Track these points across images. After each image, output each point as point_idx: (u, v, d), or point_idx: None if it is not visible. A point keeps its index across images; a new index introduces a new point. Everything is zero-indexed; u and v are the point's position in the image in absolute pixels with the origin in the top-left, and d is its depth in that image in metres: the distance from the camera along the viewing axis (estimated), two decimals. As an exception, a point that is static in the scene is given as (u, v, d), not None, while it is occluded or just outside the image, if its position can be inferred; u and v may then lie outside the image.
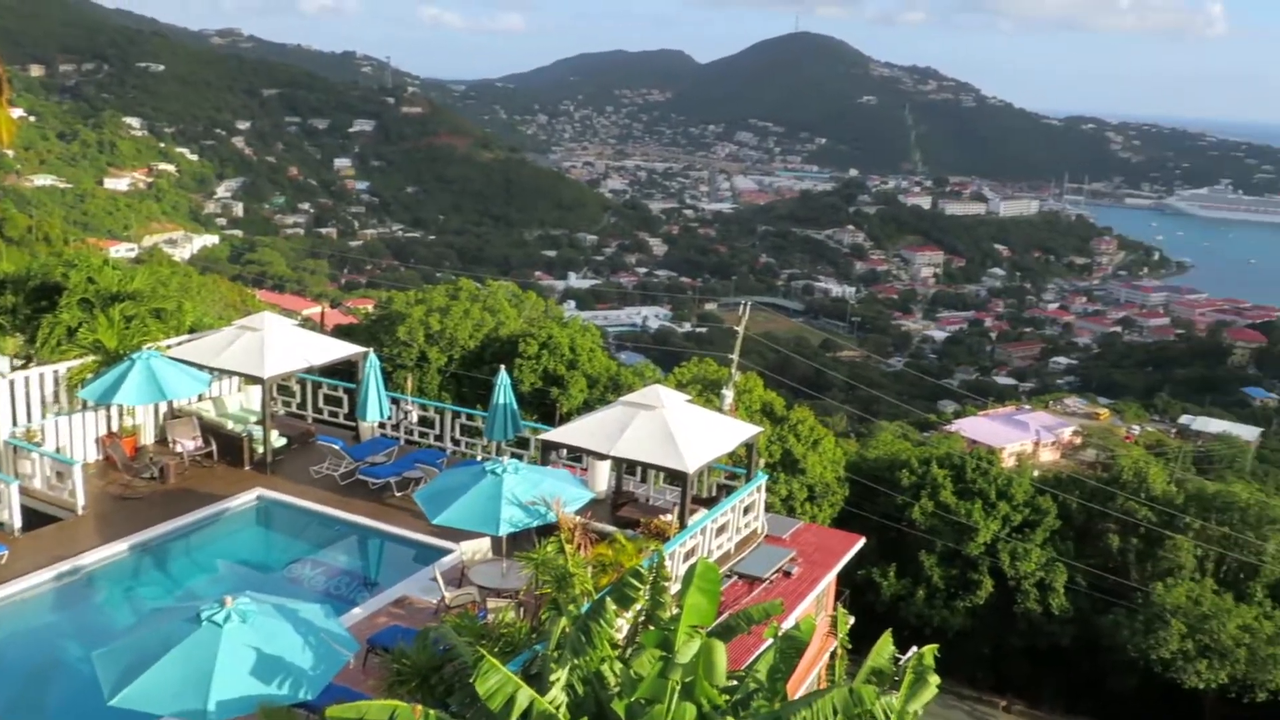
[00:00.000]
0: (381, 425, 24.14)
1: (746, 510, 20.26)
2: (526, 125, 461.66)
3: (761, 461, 33.13)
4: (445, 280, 59.60)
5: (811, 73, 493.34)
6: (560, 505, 14.80)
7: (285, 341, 22.75)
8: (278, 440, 22.85)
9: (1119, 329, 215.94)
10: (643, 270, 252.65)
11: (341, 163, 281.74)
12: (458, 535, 16.93)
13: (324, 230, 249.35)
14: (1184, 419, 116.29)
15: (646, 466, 20.29)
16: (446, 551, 18.03)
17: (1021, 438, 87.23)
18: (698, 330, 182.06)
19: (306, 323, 47.81)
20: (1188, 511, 39.17)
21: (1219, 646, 34.77)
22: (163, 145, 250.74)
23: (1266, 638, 34.89)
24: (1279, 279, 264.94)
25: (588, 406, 38.84)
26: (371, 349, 24.43)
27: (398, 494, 20.83)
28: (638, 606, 10.80)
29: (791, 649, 10.40)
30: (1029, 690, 40.30)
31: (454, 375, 44.35)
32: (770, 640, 10.68)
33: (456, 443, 24.14)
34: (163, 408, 23.16)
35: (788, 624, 11.61)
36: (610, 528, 17.97)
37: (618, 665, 10.07)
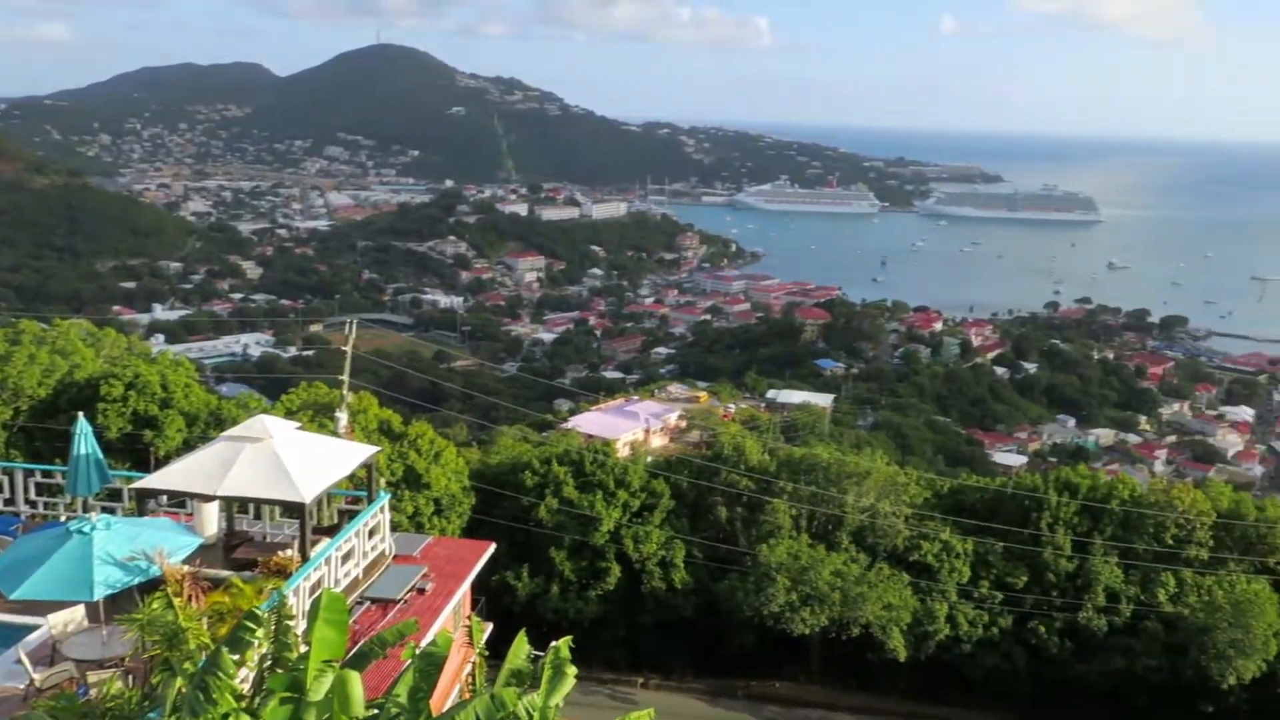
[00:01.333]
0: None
1: (372, 533, 19.68)
2: (87, 146, 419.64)
3: (383, 481, 32.34)
4: (2, 323, 52.68)
5: (398, 85, 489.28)
6: (164, 557, 13.56)
7: None
8: None
9: (708, 317, 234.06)
10: (238, 296, 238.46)
11: None
12: (45, 608, 15.05)
13: None
14: (770, 393, 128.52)
15: (259, 502, 19.12)
16: (33, 628, 15.97)
17: (633, 427, 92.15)
18: (304, 354, 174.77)
19: None
20: (781, 477, 43.19)
21: (818, 593, 38.66)
22: None
23: (854, 579, 39.27)
24: (835, 262, 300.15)
25: (188, 446, 35.93)
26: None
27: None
28: (262, 651, 10.13)
29: (431, 666, 10.21)
30: (663, 663, 42.56)
31: (23, 429, 39.35)
32: (409, 661, 10.43)
33: (33, 504, 21.45)
34: None
35: (425, 642, 11.39)
36: (225, 572, 16.73)
37: (245, 718, 9.38)
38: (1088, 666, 39.56)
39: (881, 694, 41.07)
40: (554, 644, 10.53)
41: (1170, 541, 41.16)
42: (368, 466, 19.90)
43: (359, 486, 20.95)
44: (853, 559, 40.73)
